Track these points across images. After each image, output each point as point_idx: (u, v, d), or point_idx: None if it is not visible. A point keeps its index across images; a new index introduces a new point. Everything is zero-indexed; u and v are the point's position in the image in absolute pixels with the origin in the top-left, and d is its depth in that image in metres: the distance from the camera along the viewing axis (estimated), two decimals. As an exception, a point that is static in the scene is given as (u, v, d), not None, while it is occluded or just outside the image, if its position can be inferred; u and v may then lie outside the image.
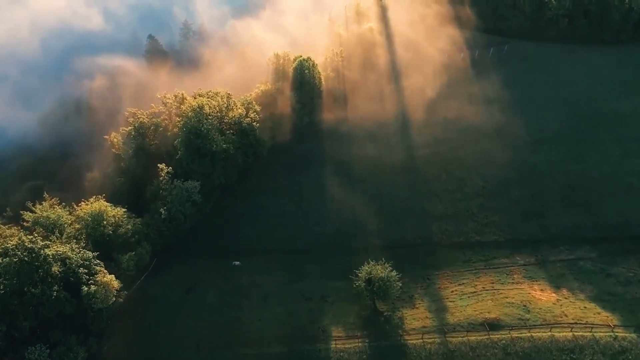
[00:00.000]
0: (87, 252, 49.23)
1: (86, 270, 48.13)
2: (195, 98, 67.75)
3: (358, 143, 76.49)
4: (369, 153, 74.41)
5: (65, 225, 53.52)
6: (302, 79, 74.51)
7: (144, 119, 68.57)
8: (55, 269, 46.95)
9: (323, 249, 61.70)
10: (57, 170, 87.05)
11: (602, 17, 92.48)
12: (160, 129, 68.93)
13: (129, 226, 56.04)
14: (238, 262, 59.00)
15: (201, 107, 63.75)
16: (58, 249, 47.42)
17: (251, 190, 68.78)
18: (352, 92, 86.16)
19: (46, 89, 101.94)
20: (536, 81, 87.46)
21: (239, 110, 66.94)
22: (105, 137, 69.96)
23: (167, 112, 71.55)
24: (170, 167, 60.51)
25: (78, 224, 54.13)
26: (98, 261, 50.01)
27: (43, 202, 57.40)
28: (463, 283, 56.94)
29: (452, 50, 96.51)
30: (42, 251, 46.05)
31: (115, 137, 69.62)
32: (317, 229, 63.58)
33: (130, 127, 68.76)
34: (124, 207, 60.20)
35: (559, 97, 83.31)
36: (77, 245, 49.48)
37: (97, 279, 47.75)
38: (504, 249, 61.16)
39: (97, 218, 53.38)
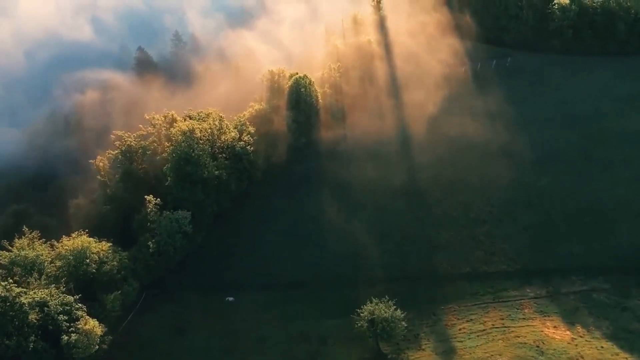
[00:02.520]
0: (68, 296, 45.56)
1: (66, 317, 44.44)
2: (185, 120, 64.22)
3: (357, 164, 73.03)
4: (369, 175, 70.94)
5: (45, 264, 49.82)
6: (298, 98, 71.14)
7: (131, 142, 64.93)
8: (33, 317, 43.31)
9: (322, 282, 58.19)
10: (43, 192, 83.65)
11: (607, 27, 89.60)
12: (149, 152, 65.29)
13: (115, 262, 52.37)
14: (232, 298, 55.51)
15: (192, 131, 60.19)
16: (35, 296, 43.80)
17: (245, 218, 65.19)
18: (351, 109, 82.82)
19: (32, 104, 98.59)
20: (541, 96, 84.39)
21: (232, 134, 63.45)
22: (91, 161, 66.24)
23: (156, 134, 67.93)
24: (159, 199, 56.90)
25: (59, 261, 50.45)
26: (80, 305, 46.36)
27: (22, 237, 53.77)
28: (471, 319, 53.65)
29: (453, 62, 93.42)
30: (17, 299, 42.41)
31: (102, 161, 65.89)
32: (315, 260, 60.05)
33: (117, 151, 65.14)
34: (109, 239, 56.58)
35: (564, 113, 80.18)
36: (56, 290, 45.72)
37: (79, 326, 44.07)
38: (513, 280, 57.94)
39: (80, 256, 49.71)
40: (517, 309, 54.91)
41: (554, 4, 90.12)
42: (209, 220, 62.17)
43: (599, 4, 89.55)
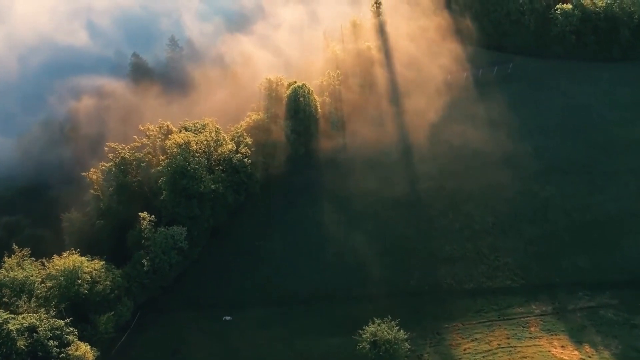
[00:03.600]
0: (58, 321, 43.76)
1: (57, 342, 42.70)
2: (180, 131, 62.45)
3: (358, 174, 71.43)
4: (369, 186, 69.34)
5: (35, 285, 48.06)
6: (297, 107, 69.42)
7: (125, 154, 63.15)
8: (21, 343, 41.50)
9: (322, 298, 56.60)
10: (35, 203, 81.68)
11: (611, 33, 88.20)
12: (143, 164, 63.55)
13: (108, 281, 50.59)
14: (229, 317, 53.78)
15: (187, 144, 58.45)
16: (24, 321, 42.05)
17: (242, 232, 63.41)
18: (351, 117, 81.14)
19: (25, 111, 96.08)
20: (544, 103, 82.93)
21: (229, 146, 61.69)
22: (84, 174, 64.44)
23: (151, 145, 66.21)
24: (153, 215, 55.15)
25: (50, 281, 48.67)
26: (71, 329, 44.56)
27: (12, 255, 51.95)
28: (476, 338, 52.08)
29: (455, 68, 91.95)
30: (5, 326, 40.66)
31: (95, 174, 64.13)
32: (315, 275, 58.45)
33: (110, 163, 63.37)
34: (102, 256, 54.92)
35: (568, 121, 78.73)
36: (46, 315, 43.89)
37: (70, 352, 42.38)
38: (518, 296, 56.39)
39: (71, 276, 47.96)
40: (523, 327, 53.42)
41: (557, 9, 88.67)
42: (205, 235, 60.45)
43: (602, 9, 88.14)
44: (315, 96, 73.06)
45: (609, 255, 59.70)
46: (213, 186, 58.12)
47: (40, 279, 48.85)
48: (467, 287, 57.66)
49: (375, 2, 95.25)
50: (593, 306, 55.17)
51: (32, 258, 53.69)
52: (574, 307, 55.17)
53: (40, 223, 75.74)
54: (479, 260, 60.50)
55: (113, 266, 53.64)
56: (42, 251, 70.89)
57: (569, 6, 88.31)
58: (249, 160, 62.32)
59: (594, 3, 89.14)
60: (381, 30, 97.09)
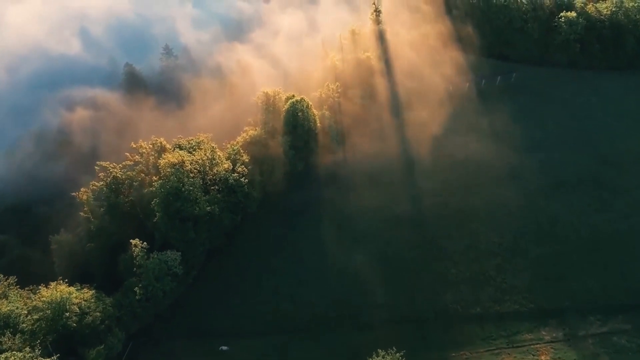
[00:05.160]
0: (44, 360, 41.25)
1: (42, 383, 40.36)
2: (174, 150, 59.92)
3: (359, 191, 68.96)
4: (371, 203, 66.92)
5: (21, 317, 45.45)
6: (295, 122, 67.00)
7: (117, 173, 60.57)
8: (4, 385, 39.13)
9: (323, 326, 54.09)
10: (25, 221, 78.79)
11: (616, 41, 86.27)
12: (136, 183, 61.04)
13: (98, 312, 48.06)
14: (225, 347, 51.23)
15: (181, 164, 55.92)
16: (7, 361, 39.56)
17: (239, 254, 60.93)
18: (351, 130, 78.61)
19: (15, 123, 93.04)
20: (548, 114, 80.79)
21: (225, 165, 59.14)
22: (74, 194, 61.82)
23: (144, 163, 63.64)
24: (145, 242, 52.55)
25: (36, 314, 46.08)
26: (58, 367, 42.13)
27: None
28: (485, 369, 50.06)
29: (457, 78, 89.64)
30: (-15, 368, 38.26)
31: (86, 193, 61.54)
32: (316, 301, 56.01)
33: (101, 183, 60.81)
34: (92, 283, 52.56)
35: (574, 134, 76.69)
36: (31, 354, 41.15)
37: (56, 392, 39.99)
38: (527, 322, 54.10)
39: (59, 309, 45.43)
40: (533, 355, 51.10)
41: (560, 17, 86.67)
42: (200, 258, 57.96)
43: (607, 17, 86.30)
44: (314, 110, 70.60)
45: (619, 277, 57.57)
46: (209, 208, 55.62)
47: (26, 311, 46.23)
48: (474, 312, 55.33)
49: (375, 10, 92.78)
50: (605, 332, 53.07)
51: (18, 286, 51.00)
52: (585, 333, 53.05)
53: (29, 242, 72.84)
54: (485, 283, 58.26)
55: (104, 295, 51.10)
56: (30, 273, 68.75)
57: (573, 14, 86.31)
58: (246, 180, 59.77)
59: (598, 11, 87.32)
60: (381, 39, 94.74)
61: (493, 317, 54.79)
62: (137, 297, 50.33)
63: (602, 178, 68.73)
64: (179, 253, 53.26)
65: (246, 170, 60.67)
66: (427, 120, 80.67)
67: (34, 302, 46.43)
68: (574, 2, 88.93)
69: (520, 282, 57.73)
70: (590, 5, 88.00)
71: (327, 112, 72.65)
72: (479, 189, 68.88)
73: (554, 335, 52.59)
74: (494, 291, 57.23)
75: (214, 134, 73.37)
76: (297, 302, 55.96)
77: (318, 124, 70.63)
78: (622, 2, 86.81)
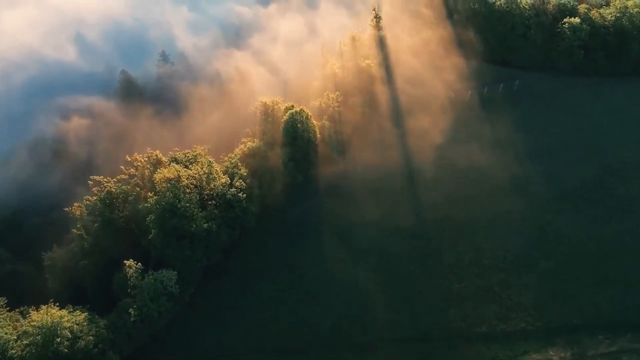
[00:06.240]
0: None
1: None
2: (169, 164, 58.28)
3: (360, 203, 67.29)
4: (372, 216, 65.32)
5: (10, 343, 43.78)
6: (295, 134, 65.42)
7: (111, 187, 58.93)
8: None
9: (323, 346, 52.50)
10: (18, 234, 76.92)
11: (620, 48, 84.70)
12: (131, 197, 59.42)
13: (90, 335, 46.37)
14: (224, 369, 49.90)
15: (177, 179, 54.30)
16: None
17: (237, 270, 59.24)
18: (351, 140, 76.87)
19: (7, 132, 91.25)
20: (553, 122, 79.20)
21: (222, 180, 57.50)
22: (67, 209, 60.19)
23: (139, 176, 61.99)
24: (140, 263, 50.92)
25: (26, 339, 44.40)
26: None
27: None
28: (491, 392, 48.56)
29: (459, 85, 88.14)
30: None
31: (79, 208, 59.90)
32: (316, 320, 54.43)
33: (95, 198, 59.19)
34: (85, 304, 50.93)
35: (579, 142, 75.04)
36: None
37: None
38: (534, 341, 52.48)
39: (49, 333, 43.77)
40: (541, 376, 49.94)
41: (564, 23, 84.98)
42: (197, 276, 56.31)
43: (611, 22, 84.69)
44: (314, 121, 69.01)
45: (628, 293, 56.01)
46: (205, 225, 54.01)
47: (15, 337, 44.55)
48: (479, 331, 53.78)
49: (375, 17, 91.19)
50: (614, 351, 51.41)
51: (8, 308, 49.33)
52: (595, 352, 51.43)
53: (22, 256, 71.23)
54: (490, 299, 56.69)
55: (97, 316, 49.41)
56: (23, 289, 67.76)
57: (577, 20, 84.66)
58: (244, 195, 58.14)
59: (602, 17, 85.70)
60: (381, 45, 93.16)
61: (499, 336, 53.16)
62: (131, 319, 48.70)
63: (608, 189, 67.10)
64: (175, 272, 51.66)
65: (244, 184, 59.01)
66: (428, 128, 79.01)
67: (24, 327, 44.78)
68: (578, 7, 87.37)
69: (526, 298, 56.17)
70: (594, 11, 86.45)
71: (327, 123, 71.08)
72: (483, 201, 67.26)
73: (562, 355, 50.94)
74: (499, 309, 55.59)
75: (211, 143, 71.88)
76: (297, 320, 54.35)
77: (318, 135, 69.06)
78: (626, 8, 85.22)
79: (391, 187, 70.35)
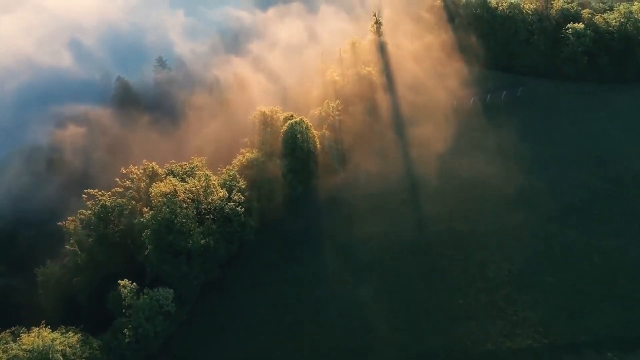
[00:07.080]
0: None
1: None
2: (166, 177, 56.69)
3: (361, 216, 65.78)
4: (374, 230, 63.77)
5: (0, 368, 42.37)
6: (294, 145, 63.81)
7: (106, 201, 57.31)
8: None
9: (325, 366, 51.37)
10: (12, 246, 75.23)
11: (625, 53, 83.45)
12: (126, 211, 57.82)
13: (84, 358, 44.72)
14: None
15: (174, 194, 52.72)
16: None
17: (235, 287, 57.51)
18: (352, 149, 75.39)
19: (1, 141, 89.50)
20: (557, 131, 77.83)
21: (220, 194, 55.92)
22: (60, 223, 58.54)
23: (134, 189, 60.40)
24: (135, 283, 49.34)
25: (16, 363, 42.91)
26: None
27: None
28: (498, 415, 47.04)
29: (461, 92, 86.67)
30: None
31: (73, 223, 58.22)
32: (318, 340, 52.71)
33: (89, 212, 57.58)
34: (79, 324, 49.26)
35: (583, 151, 73.71)
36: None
37: None
38: (542, 358, 51.35)
39: (41, 358, 42.16)
40: (550, 397, 48.49)
41: (568, 29, 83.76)
42: (194, 293, 54.69)
43: (615, 28, 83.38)
44: (314, 130, 67.44)
45: (637, 309, 54.80)
46: (203, 241, 52.43)
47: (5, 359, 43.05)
48: (485, 349, 52.12)
49: (376, 22, 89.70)
50: (623, 369, 50.49)
51: None
52: (603, 371, 50.43)
53: (15, 270, 69.57)
54: (495, 316, 55.12)
55: (90, 337, 47.78)
56: (16, 304, 65.94)
57: (581, 25, 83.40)
58: (242, 209, 56.55)
59: (606, 22, 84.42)
60: (382, 51, 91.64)
61: (506, 355, 51.51)
62: (126, 340, 47.11)
63: (614, 200, 65.58)
64: (172, 290, 50.07)
65: (242, 197, 57.40)
66: (431, 137, 77.49)
67: (14, 351, 43.17)
68: (581, 13, 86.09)
69: (533, 314, 54.62)
70: (598, 16, 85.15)
71: (327, 132, 69.50)
72: (487, 213, 65.64)
73: (570, 374, 49.95)
74: (505, 325, 53.99)
75: (209, 153, 70.57)
76: (297, 341, 52.65)
77: (318, 145, 67.48)
78: (631, 13, 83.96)
79: (393, 198, 68.64)
